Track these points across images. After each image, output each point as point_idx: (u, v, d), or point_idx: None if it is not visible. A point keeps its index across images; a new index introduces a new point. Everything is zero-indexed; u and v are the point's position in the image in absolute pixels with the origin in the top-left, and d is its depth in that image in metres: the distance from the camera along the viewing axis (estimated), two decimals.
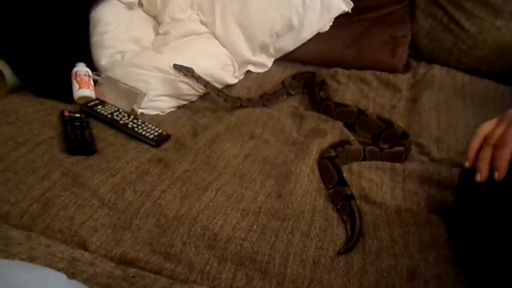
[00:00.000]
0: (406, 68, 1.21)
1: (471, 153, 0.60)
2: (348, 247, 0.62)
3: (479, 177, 0.57)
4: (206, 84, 0.98)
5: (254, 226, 0.66)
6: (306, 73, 1.10)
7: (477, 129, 0.62)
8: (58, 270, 0.52)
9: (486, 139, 0.59)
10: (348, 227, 0.67)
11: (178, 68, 0.96)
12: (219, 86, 1.04)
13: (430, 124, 1.00)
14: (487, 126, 0.61)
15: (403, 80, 1.16)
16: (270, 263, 0.60)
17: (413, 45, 1.22)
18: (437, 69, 1.17)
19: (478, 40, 1.14)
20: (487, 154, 0.57)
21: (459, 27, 1.16)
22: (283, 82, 1.07)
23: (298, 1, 1.13)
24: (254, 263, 0.60)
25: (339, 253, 0.61)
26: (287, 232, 0.65)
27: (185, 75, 0.96)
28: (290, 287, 0.58)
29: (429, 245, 0.64)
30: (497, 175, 0.56)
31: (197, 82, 0.98)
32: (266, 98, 1.03)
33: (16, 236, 0.59)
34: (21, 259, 0.55)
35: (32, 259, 0.56)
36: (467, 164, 0.60)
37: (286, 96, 1.06)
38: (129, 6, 1.07)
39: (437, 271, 0.59)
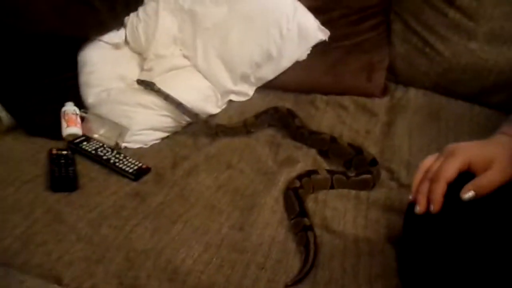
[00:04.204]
0: (385, 92, 1.24)
1: (414, 186, 0.63)
2: (296, 279, 0.66)
3: (417, 209, 0.60)
4: (166, 97, 1.04)
5: (214, 259, 0.71)
6: (268, 110, 1.11)
7: (420, 163, 0.65)
8: None
9: (425, 173, 0.63)
10: (303, 258, 0.71)
11: (139, 82, 1.05)
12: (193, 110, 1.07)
13: (402, 148, 1.03)
14: (428, 160, 0.64)
15: (380, 104, 1.19)
16: None
17: (392, 69, 1.25)
18: (412, 93, 1.20)
19: (452, 62, 1.17)
20: (424, 187, 0.61)
21: (434, 51, 1.19)
22: (244, 121, 1.08)
23: (275, 32, 1.18)
24: None
25: (286, 286, 0.65)
26: (243, 265, 0.69)
27: (145, 88, 1.05)
28: None
29: (378, 275, 0.67)
30: (432, 208, 0.59)
31: (157, 95, 1.04)
32: (222, 130, 1.06)
33: None
34: None
35: None
36: (410, 197, 0.63)
37: (245, 133, 1.07)
38: (116, 46, 1.15)
39: None
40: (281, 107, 1.12)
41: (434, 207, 0.59)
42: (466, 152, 0.60)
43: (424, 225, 0.64)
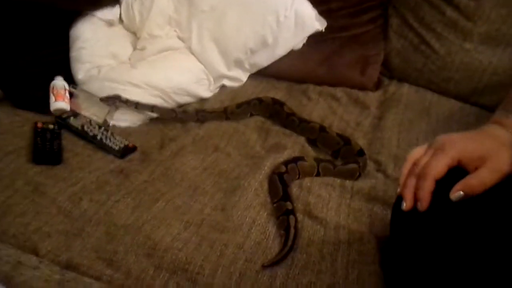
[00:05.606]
0: (378, 86, 1.24)
1: (401, 179, 0.59)
2: (273, 261, 0.66)
3: (404, 206, 0.56)
4: (136, 105, 1.00)
5: (193, 237, 0.71)
6: (251, 101, 1.09)
7: (408, 154, 0.61)
8: (0, 272, 0.58)
9: (413, 166, 0.58)
10: (283, 241, 0.71)
11: (104, 100, 0.98)
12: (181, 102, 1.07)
13: (391, 141, 1.03)
14: (417, 152, 0.59)
15: (372, 97, 1.19)
16: (200, 273, 0.64)
17: (386, 64, 1.25)
18: (405, 88, 1.20)
19: (447, 61, 1.17)
20: (411, 183, 0.56)
21: (429, 48, 1.19)
22: (225, 108, 1.07)
23: (272, 19, 1.17)
24: (185, 272, 0.65)
25: (263, 267, 0.65)
26: (221, 244, 0.69)
27: (114, 103, 0.98)
28: None
29: (355, 262, 0.67)
30: (419, 205, 0.55)
31: (127, 106, 0.99)
32: (202, 115, 1.05)
33: None
34: None
35: None
36: (398, 190, 0.59)
37: (225, 119, 1.05)
38: (109, 23, 1.13)
39: None
40: (265, 98, 1.10)
41: (422, 205, 0.55)
42: (457, 147, 0.56)
43: (411, 220, 0.59)
